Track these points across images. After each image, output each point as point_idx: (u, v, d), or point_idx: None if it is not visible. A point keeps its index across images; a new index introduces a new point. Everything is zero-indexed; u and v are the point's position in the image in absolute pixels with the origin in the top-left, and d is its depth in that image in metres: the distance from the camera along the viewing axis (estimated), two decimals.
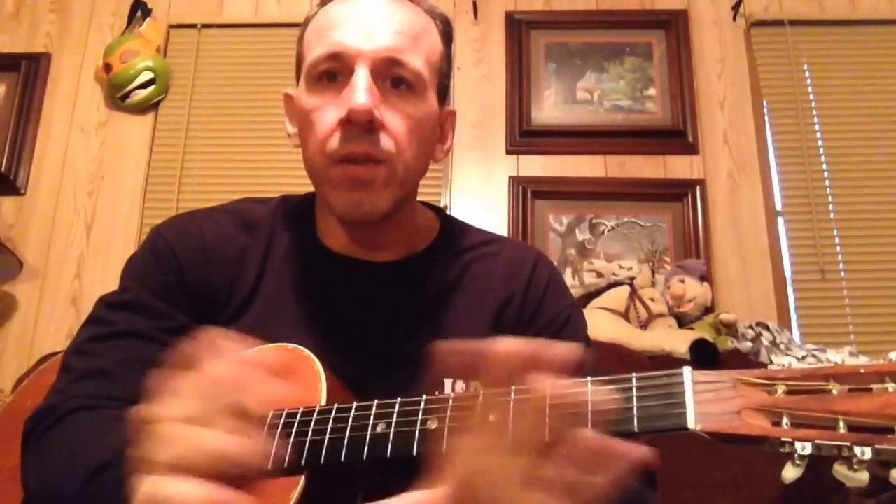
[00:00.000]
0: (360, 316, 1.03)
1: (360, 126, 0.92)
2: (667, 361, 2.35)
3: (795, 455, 0.56)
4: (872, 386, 0.55)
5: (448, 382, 1.00)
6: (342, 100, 0.93)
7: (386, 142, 0.94)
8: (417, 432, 0.77)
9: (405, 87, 0.96)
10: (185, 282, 1.01)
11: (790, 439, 0.57)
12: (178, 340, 0.97)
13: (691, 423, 0.64)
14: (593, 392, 0.64)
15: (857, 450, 0.54)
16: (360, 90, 0.91)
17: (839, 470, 0.55)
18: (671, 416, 0.66)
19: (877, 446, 0.53)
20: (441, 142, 1.09)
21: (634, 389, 0.70)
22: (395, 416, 0.80)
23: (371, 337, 1.02)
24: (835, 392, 0.56)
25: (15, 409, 1.15)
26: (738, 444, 0.61)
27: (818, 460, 0.57)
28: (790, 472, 0.57)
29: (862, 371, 0.55)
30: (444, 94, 1.06)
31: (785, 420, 0.58)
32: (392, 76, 0.95)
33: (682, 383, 0.66)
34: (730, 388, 0.63)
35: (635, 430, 0.68)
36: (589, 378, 0.73)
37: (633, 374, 0.71)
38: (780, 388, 0.59)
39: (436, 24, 1.04)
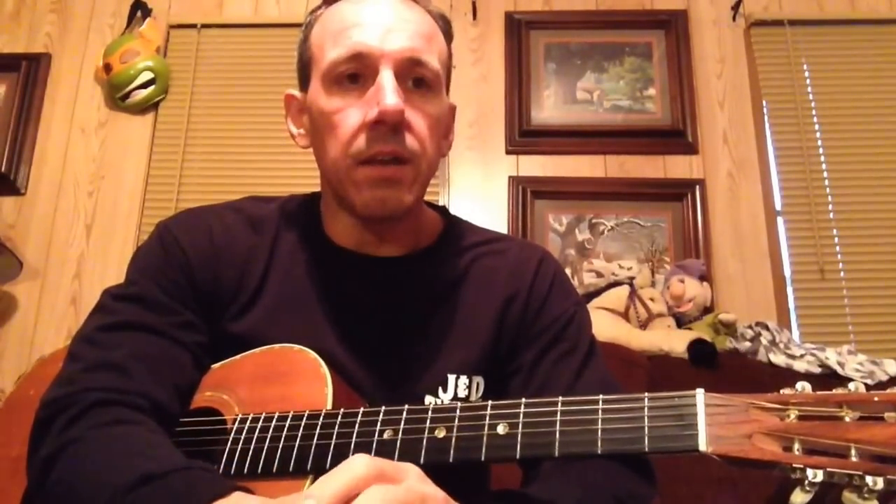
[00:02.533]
0: (364, 311, 1.03)
1: (389, 127, 0.93)
2: (665, 361, 2.36)
3: (806, 482, 0.57)
4: (885, 414, 0.55)
5: (451, 377, 1.01)
6: (367, 101, 0.94)
7: (411, 142, 0.95)
8: (425, 440, 0.78)
9: (425, 87, 0.98)
10: (192, 278, 1.02)
11: (801, 465, 0.57)
12: (185, 335, 0.98)
13: (702, 446, 0.64)
14: None
15: (869, 479, 0.54)
16: (391, 91, 0.92)
17: (849, 497, 0.56)
18: (683, 438, 0.67)
19: (889, 476, 0.53)
20: (446, 137, 1.10)
21: (646, 409, 0.71)
22: (402, 423, 0.80)
23: (376, 332, 1.02)
24: (847, 419, 0.56)
25: (17, 399, 1.14)
26: (749, 467, 0.62)
27: (827, 484, 0.58)
28: (799, 498, 0.58)
29: (875, 399, 0.56)
30: (447, 90, 1.08)
31: (797, 445, 0.58)
32: (413, 76, 0.96)
33: (694, 405, 0.67)
34: (742, 411, 0.63)
35: (646, 449, 0.69)
36: (601, 397, 0.74)
37: (646, 395, 0.71)
38: (793, 413, 0.59)
39: (438, 23, 1.05)
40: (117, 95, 3.03)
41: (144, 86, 3.01)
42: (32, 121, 3.07)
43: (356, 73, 0.96)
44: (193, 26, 3.16)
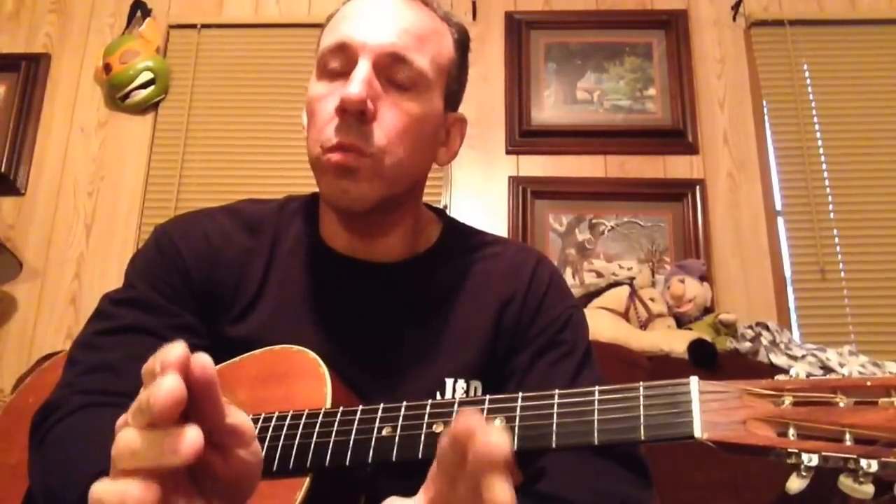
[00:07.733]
0: (363, 316, 1.03)
1: (353, 116, 0.93)
2: (665, 361, 2.36)
3: (802, 466, 0.57)
4: (879, 399, 0.55)
5: (449, 381, 1.01)
6: (341, 90, 0.94)
7: (378, 136, 0.94)
8: (423, 435, 0.78)
9: (408, 85, 0.97)
10: (189, 282, 1.02)
11: (796, 450, 0.57)
12: (183, 338, 0.98)
13: (697, 433, 0.64)
14: None
15: (864, 462, 0.54)
16: (357, 81, 0.92)
17: (845, 482, 0.55)
18: (678, 426, 0.67)
19: (883, 459, 0.53)
20: (446, 146, 1.09)
21: (641, 398, 0.71)
22: (400, 419, 0.80)
23: (373, 337, 1.02)
24: (842, 404, 0.56)
25: (16, 406, 1.15)
26: (744, 453, 0.62)
27: (822, 469, 0.58)
28: (795, 484, 0.58)
29: (869, 384, 0.55)
30: (452, 99, 1.08)
31: (791, 431, 0.58)
32: (394, 72, 0.96)
33: (688, 393, 0.67)
34: (736, 398, 0.63)
35: (642, 438, 0.69)
36: (596, 388, 0.74)
37: (641, 384, 0.71)
38: (787, 399, 0.59)
39: (451, 31, 1.05)
40: (117, 95, 3.03)
41: (144, 86, 3.01)
42: (32, 121, 3.07)
43: (339, 62, 0.96)
44: (193, 26, 3.17)
